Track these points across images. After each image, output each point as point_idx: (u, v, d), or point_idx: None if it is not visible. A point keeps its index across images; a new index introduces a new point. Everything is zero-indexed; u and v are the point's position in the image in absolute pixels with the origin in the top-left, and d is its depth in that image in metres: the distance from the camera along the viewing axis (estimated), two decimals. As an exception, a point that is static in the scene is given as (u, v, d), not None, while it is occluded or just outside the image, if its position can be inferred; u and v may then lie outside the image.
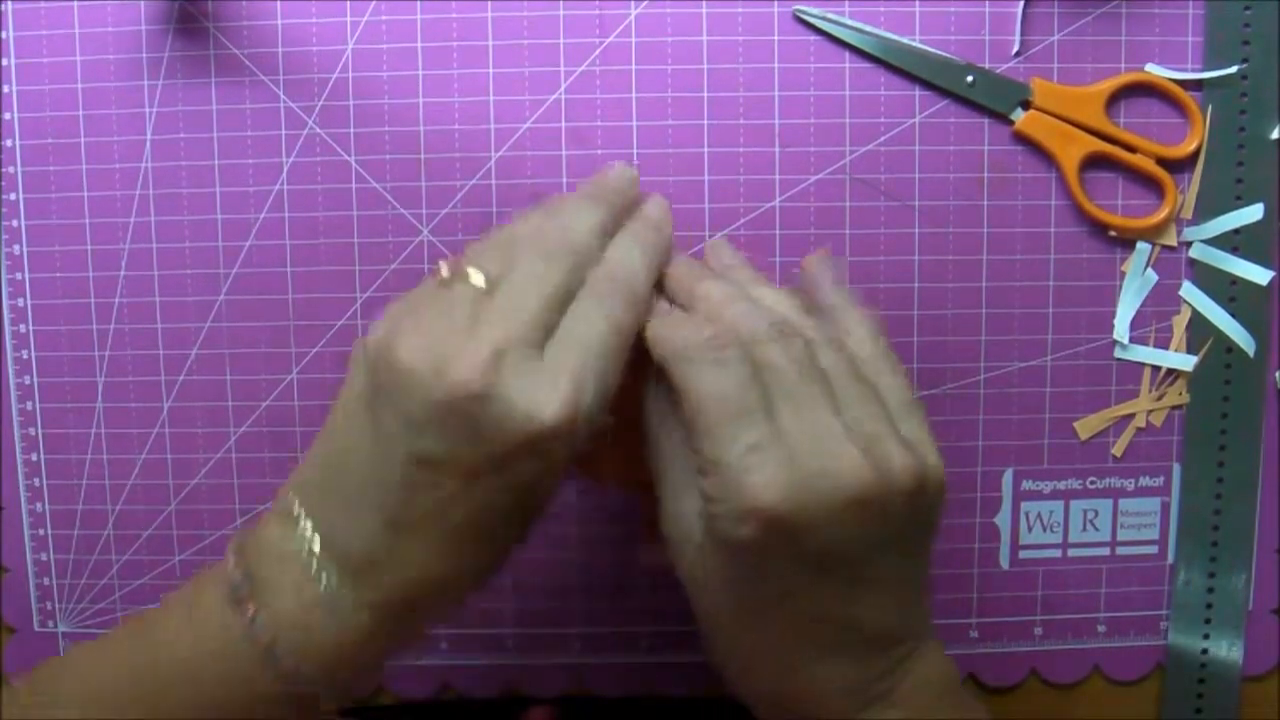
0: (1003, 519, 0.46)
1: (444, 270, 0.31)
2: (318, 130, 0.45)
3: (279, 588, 0.31)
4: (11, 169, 0.46)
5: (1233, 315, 0.45)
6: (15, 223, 0.46)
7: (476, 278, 0.31)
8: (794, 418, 0.30)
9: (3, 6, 0.45)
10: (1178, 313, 0.45)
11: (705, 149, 0.45)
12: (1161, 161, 0.44)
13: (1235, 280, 0.45)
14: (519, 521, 0.32)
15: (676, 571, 0.33)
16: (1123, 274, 0.45)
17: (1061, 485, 0.46)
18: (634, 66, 0.44)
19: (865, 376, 0.32)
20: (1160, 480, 0.46)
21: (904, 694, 0.32)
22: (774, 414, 0.30)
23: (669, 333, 0.32)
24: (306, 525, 0.31)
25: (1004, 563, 0.47)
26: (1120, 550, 0.46)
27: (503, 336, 0.29)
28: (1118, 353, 0.45)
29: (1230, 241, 0.44)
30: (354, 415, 0.31)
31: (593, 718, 0.48)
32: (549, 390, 0.29)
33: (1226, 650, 0.46)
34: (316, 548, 0.31)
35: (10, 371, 0.47)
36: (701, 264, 0.36)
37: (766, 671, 0.33)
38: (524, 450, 0.29)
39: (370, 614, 0.31)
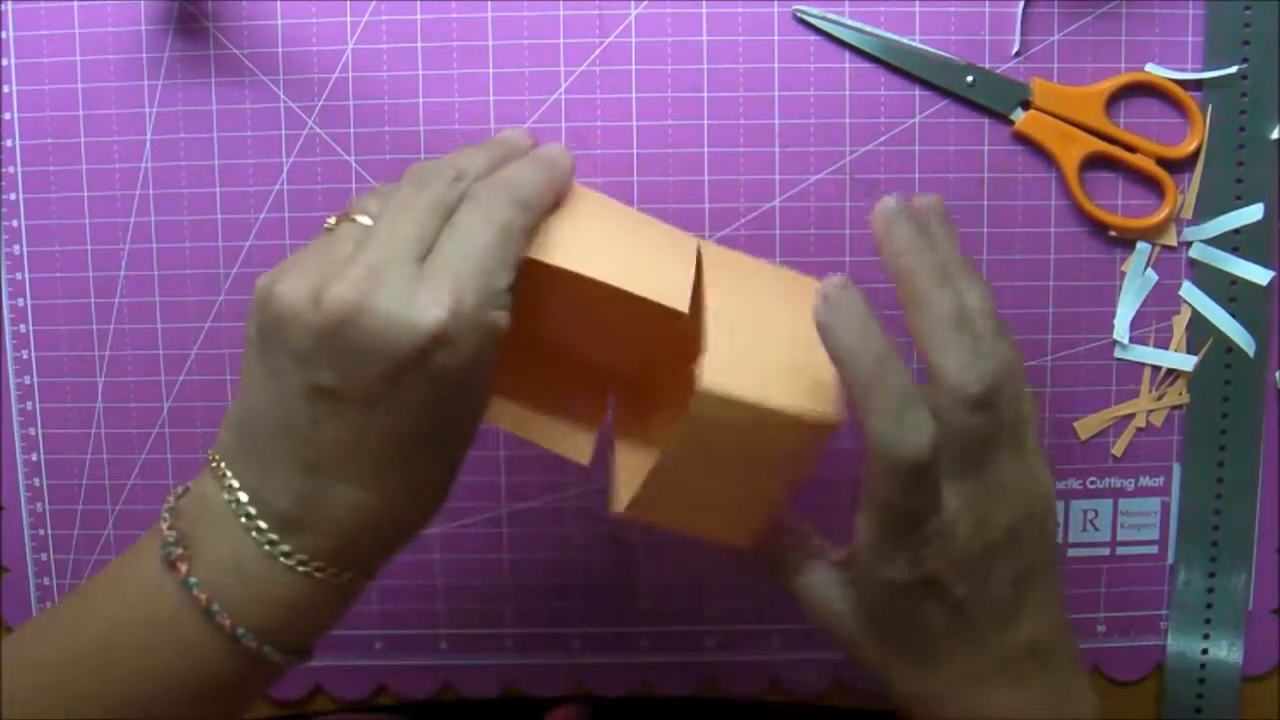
0: (1003, 519, 0.46)
1: (331, 220, 0.32)
2: (318, 130, 0.45)
3: (212, 546, 0.30)
4: (11, 169, 0.46)
5: (1233, 315, 0.45)
6: (15, 223, 0.46)
7: (361, 218, 0.31)
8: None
9: (3, 6, 0.45)
10: (1178, 313, 0.45)
11: (705, 149, 0.45)
12: (1161, 161, 0.44)
13: (1235, 280, 0.45)
14: (440, 444, 0.31)
15: (836, 620, 0.34)
16: (1123, 274, 0.45)
17: (1061, 485, 0.46)
18: (634, 66, 0.44)
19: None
20: (1160, 480, 0.46)
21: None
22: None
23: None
24: (234, 483, 0.30)
25: (1004, 563, 0.47)
26: (1120, 550, 0.46)
27: (378, 256, 0.29)
28: (1118, 353, 0.45)
29: (1230, 241, 0.44)
30: (251, 368, 0.30)
31: (625, 717, 0.48)
32: (427, 296, 0.28)
33: (1226, 650, 0.46)
34: (245, 499, 0.30)
35: (10, 371, 0.47)
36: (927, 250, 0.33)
37: (958, 703, 0.33)
38: (411, 361, 0.28)
39: (307, 565, 0.30)
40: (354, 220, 0.31)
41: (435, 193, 0.31)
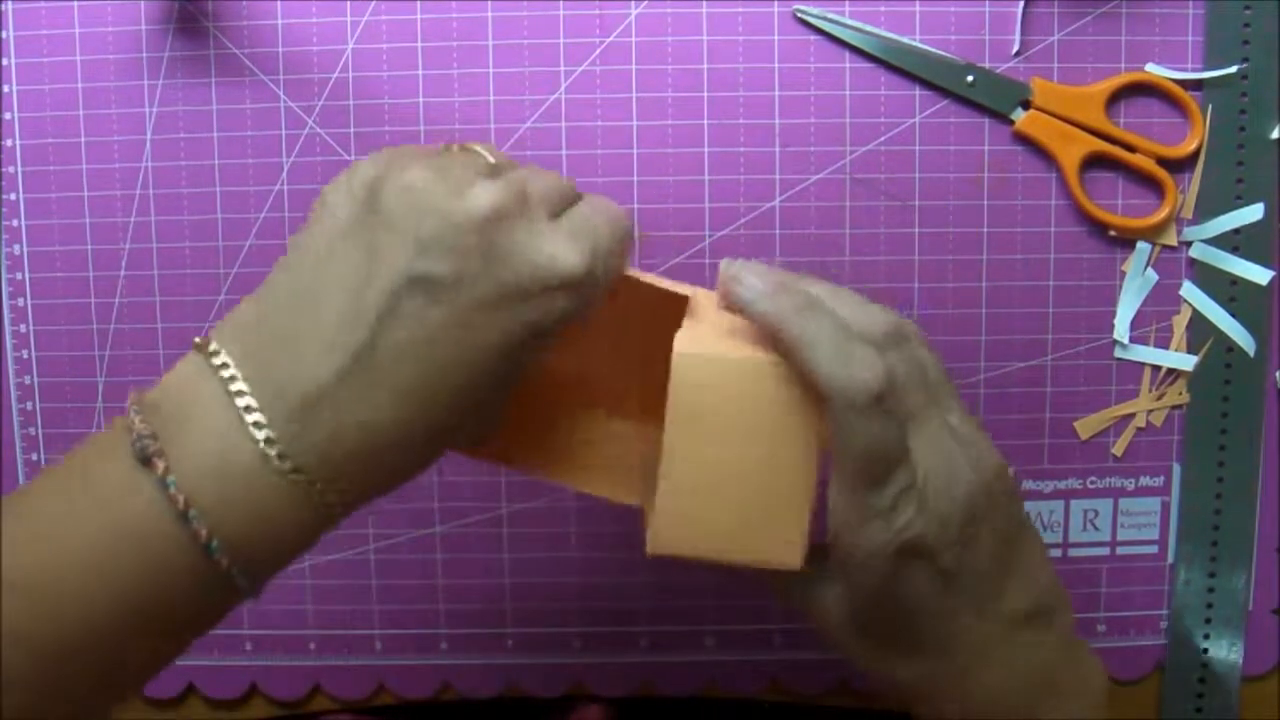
0: (1003, 519, 0.46)
1: (451, 146, 0.31)
2: (318, 130, 0.45)
3: (193, 442, 0.27)
4: (11, 169, 0.46)
5: (1233, 315, 0.45)
6: (15, 223, 0.46)
7: (485, 154, 0.31)
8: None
9: (3, 6, 0.45)
10: (1178, 313, 0.45)
11: (705, 149, 0.45)
12: (1161, 161, 0.44)
13: (1235, 280, 0.45)
14: (485, 390, 0.29)
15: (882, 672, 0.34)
16: (1123, 274, 0.45)
17: (1062, 485, 0.46)
18: (634, 66, 0.44)
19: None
20: (1160, 480, 0.46)
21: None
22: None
23: (845, 373, 0.30)
24: (232, 369, 0.28)
25: (1004, 563, 0.47)
26: (1120, 550, 0.46)
27: (522, 185, 0.29)
28: (1118, 353, 0.45)
29: (1230, 241, 0.44)
30: (328, 248, 0.29)
31: (653, 718, 0.48)
32: (569, 244, 0.29)
33: (1226, 650, 0.46)
34: (246, 389, 0.28)
35: (10, 371, 0.47)
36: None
37: (966, 684, 0.32)
38: (533, 290, 0.28)
39: (299, 473, 0.28)
40: (474, 151, 0.31)
41: (561, 181, 0.31)
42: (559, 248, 0.28)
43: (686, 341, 0.31)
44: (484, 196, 0.28)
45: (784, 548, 0.32)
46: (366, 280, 0.28)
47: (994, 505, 0.32)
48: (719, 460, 0.31)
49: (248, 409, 0.27)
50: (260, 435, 0.27)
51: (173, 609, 0.28)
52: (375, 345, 0.28)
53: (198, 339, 0.29)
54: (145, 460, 0.27)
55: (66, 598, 0.26)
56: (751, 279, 0.31)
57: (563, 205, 0.31)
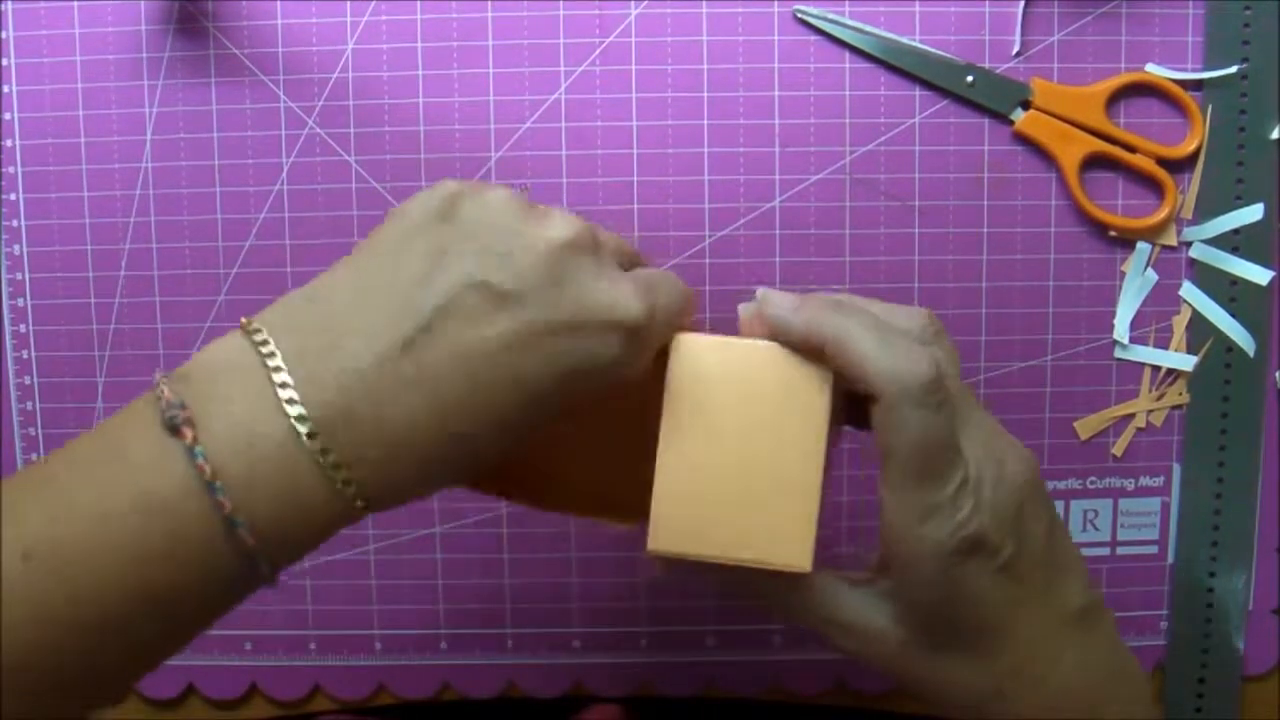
0: (1003, 519, 0.46)
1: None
2: (318, 130, 0.45)
3: (224, 414, 0.27)
4: (11, 169, 0.46)
5: (1233, 315, 0.45)
6: (15, 223, 0.46)
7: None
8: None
9: (3, 6, 0.45)
10: (1178, 313, 0.45)
11: (705, 149, 0.45)
12: (1161, 161, 0.44)
13: (1235, 280, 0.45)
14: (519, 420, 0.29)
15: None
16: (1123, 274, 0.45)
17: (1061, 485, 0.46)
18: (634, 66, 0.44)
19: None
20: (1160, 480, 0.46)
21: None
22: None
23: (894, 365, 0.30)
24: (271, 345, 0.27)
25: (1004, 563, 0.47)
26: (1120, 550, 0.46)
27: (596, 234, 0.30)
28: (1118, 353, 0.45)
29: (1230, 241, 0.44)
30: (396, 245, 0.29)
31: (661, 717, 0.48)
32: (634, 293, 0.29)
33: (1227, 650, 0.46)
34: (280, 364, 0.27)
35: (10, 371, 0.47)
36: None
37: (1024, 680, 0.32)
38: (594, 323, 0.28)
39: (325, 456, 0.27)
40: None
41: (625, 244, 0.33)
42: (622, 291, 0.29)
43: (686, 335, 0.31)
44: (561, 227, 0.29)
45: (792, 547, 0.31)
46: (428, 277, 0.28)
47: (1038, 495, 0.32)
48: (721, 452, 0.31)
49: (283, 385, 0.27)
50: (293, 412, 0.27)
51: (188, 590, 0.27)
52: (422, 343, 0.27)
53: (244, 318, 0.29)
54: (174, 429, 0.26)
55: (83, 569, 0.26)
56: (779, 296, 0.32)
57: (630, 263, 0.32)
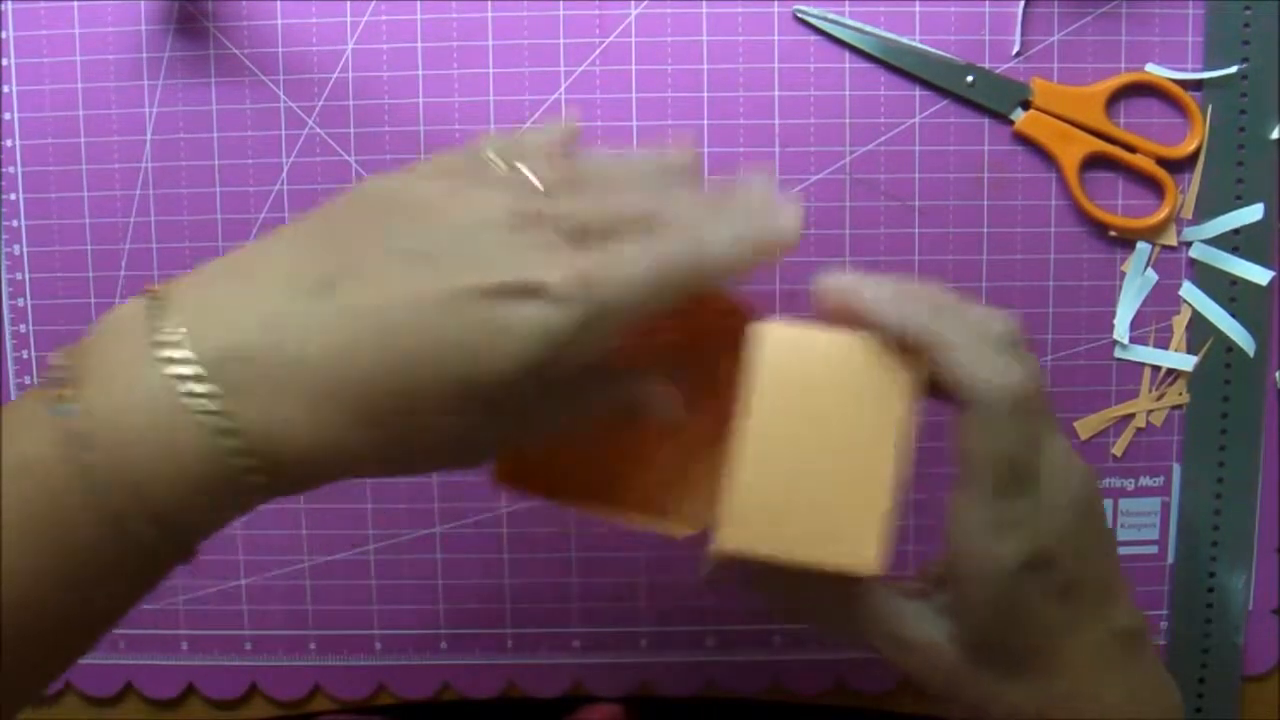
0: (1003, 519, 0.46)
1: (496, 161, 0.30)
2: (318, 130, 0.45)
3: (105, 368, 0.26)
4: (11, 169, 0.46)
5: (1233, 315, 0.45)
6: (15, 223, 0.46)
7: (529, 174, 0.29)
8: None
9: (3, 6, 0.45)
10: (1178, 313, 0.45)
11: (705, 149, 0.45)
12: (1161, 161, 0.44)
13: (1235, 280, 0.45)
14: (441, 394, 0.27)
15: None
16: (1123, 274, 0.45)
17: (1061, 485, 0.46)
18: (634, 66, 0.44)
19: None
20: (1160, 480, 0.46)
21: None
22: None
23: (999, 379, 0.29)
24: (164, 298, 0.26)
25: (1004, 563, 0.47)
26: (1120, 550, 0.46)
27: (540, 209, 0.28)
28: (1118, 353, 0.45)
29: (1230, 241, 0.45)
30: (320, 213, 0.28)
31: (661, 717, 0.48)
32: (558, 268, 0.27)
33: (1227, 650, 0.46)
34: (169, 313, 0.26)
35: (10, 371, 0.47)
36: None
37: (1071, 701, 0.31)
38: (510, 291, 0.26)
39: (215, 400, 0.25)
40: (516, 169, 0.29)
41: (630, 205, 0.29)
42: (543, 269, 0.26)
43: (768, 325, 0.29)
44: (500, 198, 0.27)
45: (862, 549, 0.29)
46: (356, 232, 0.27)
47: (1098, 514, 0.31)
48: (799, 449, 0.29)
49: (164, 333, 0.26)
50: (168, 354, 0.25)
51: (79, 555, 0.26)
52: (344, 290, 0.26)
53: (149, 290, 0.27)
54: (51, 390, 0.26)
55: None
56: (873, 285, 0.30)
57: (628, 231, 0.28)
